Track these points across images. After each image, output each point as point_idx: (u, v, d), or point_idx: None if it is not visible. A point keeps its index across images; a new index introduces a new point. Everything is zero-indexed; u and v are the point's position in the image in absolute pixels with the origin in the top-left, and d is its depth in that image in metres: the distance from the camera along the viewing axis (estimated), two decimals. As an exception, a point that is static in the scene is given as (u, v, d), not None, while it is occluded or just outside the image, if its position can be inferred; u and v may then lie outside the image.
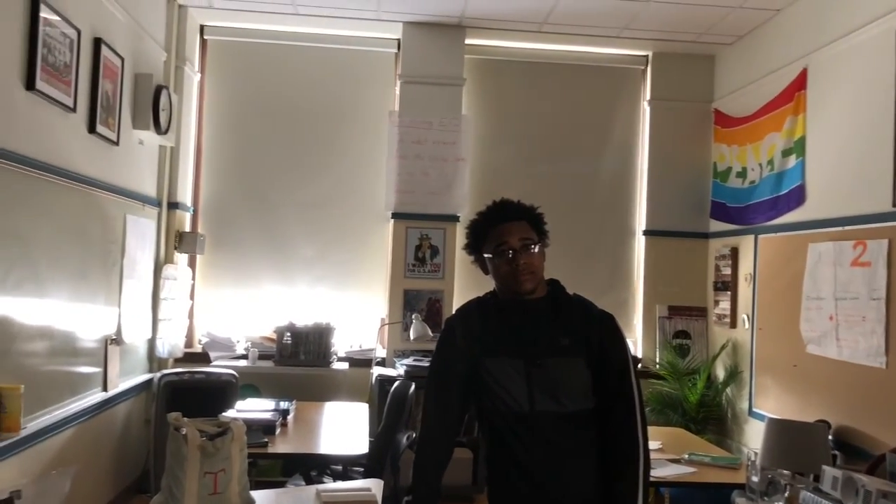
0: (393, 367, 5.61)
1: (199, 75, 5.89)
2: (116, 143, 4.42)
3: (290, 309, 5.79)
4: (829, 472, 2.48)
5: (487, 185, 5.80)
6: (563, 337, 2.08)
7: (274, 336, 5.57)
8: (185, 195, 5.67)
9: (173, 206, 5.48)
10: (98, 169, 4.20)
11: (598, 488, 2.03)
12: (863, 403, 4.04)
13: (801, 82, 4.80)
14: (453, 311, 2.31)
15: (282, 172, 5.97)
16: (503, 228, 2.09)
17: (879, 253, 3.95)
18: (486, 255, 2.12)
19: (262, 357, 5.56)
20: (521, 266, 2.06)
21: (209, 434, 2.59)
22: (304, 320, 5.59)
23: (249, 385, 5.35)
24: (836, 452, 4.00)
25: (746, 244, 5.48)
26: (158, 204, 5.31)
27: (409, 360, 5.41)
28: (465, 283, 5.60)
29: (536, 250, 2.10)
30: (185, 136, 5.60)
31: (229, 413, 3.96)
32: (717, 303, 5.89)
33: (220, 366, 5.32)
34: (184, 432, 2.54)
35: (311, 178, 5.99)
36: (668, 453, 3.80)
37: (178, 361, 5.49)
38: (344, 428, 4.11)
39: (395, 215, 5.87)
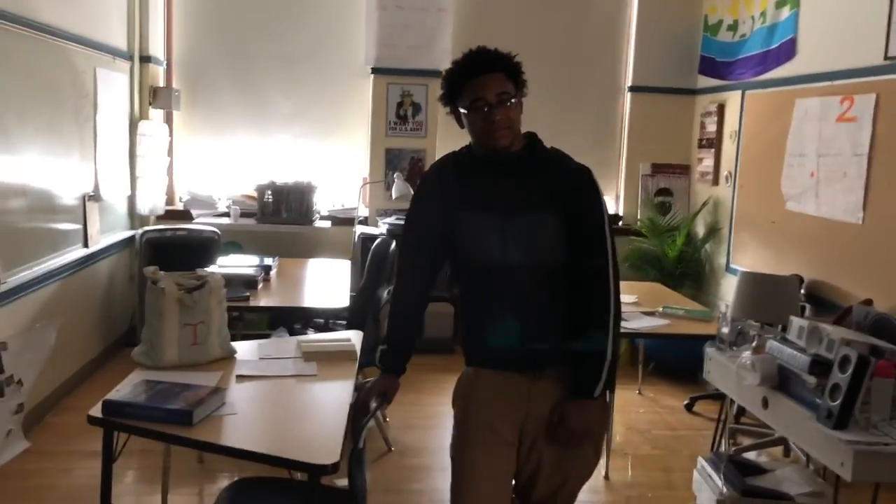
0: (375, 225, 5.63)
1: (166, -83, 5.53)
2: (80, -9, 4.21)
3: (270, 166, 5.72)
4: (795, 322, 2.54)
5: (471, 37, 5.44)
6: (538, 191, 2.05)
7: (255, 194, 5.54)
8: (157, 48, 5.47)
9: (145, 59, 5.29)
10: (62, 17, 4.01)
11: (569, 338, 2.06)
12: (837, 258, 4.11)
13: (800, -73, 4.57)
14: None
15: (259, 25, 5.73)
16: (479, 81, 1.99)
17: (866, 108, 3.89)
18: (461, 110, 2.04)
19: (244, 215, 5.56)
20: (497, 121, 1.99)
21: (187, 287, 2.61)
22: (285, 178, 5.54)
23: (232, 242, 5.37)
24: (806, 305, 4.10)
25: (733, 100, 5.40)
26: (130, 57, 5.13)
27: (391, 219, 5.43)
28: (448, 142, 5.50)
29: (513, 104, 2.02)
30: (154, -17, 5.33)
31: (211, 268, 4.00)
32: (700, 160, 5.87)
33: (202, 223, 5.31)
34: (161, 286, 2.57)
35: (290, 31, 5.76)
36: (643, 306, 3.88)
37: (160, 219, 5.48)
38: (326, 283, 4.17)
39: (376, 70, 5.70)
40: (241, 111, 5.79)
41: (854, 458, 2.09)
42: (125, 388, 2.22)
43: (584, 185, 2.09)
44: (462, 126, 2.10)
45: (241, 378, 2.47)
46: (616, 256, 2.09)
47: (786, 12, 4.71)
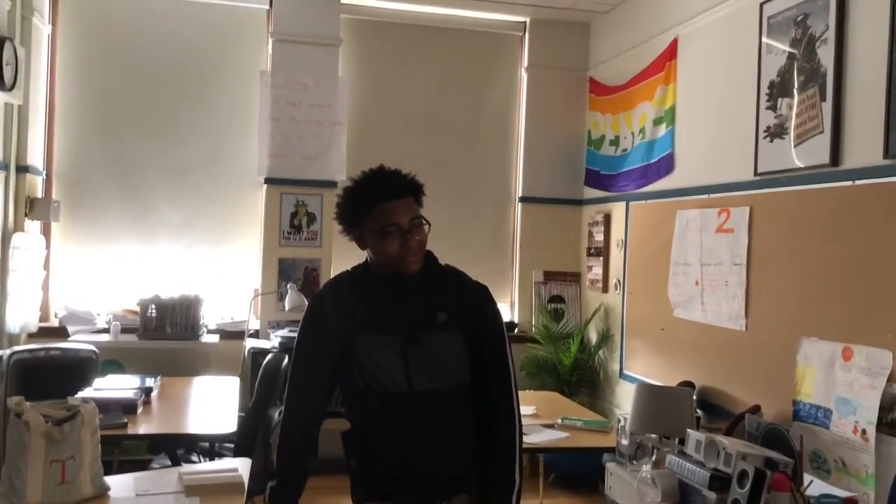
0: (267, 338, 5.44)
1: (49, 27, 5.41)
2: (-49, 100, 4.01)
3: (155, 280, 5.48)
4: (693, 435, 2.56)
5: (365, 149, 5.65)
6: (439, 311, 2.02)
7: (137, 309, 5.27)
8: (35, 158, 5.24)
9: (22, 169, 5.05)
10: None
11: (474, 461, 2.00)
12: (724, 365, 4.22)
13: (671, 52, 4.91)
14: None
15: (145, 135, 5.61)
16: (391, 206, 1.95)
17: (742, 220, 4.11)
18: (369, 232, 1.99)
19: (125, 331, 5.26)
20: (412, 247, 1.97)
21: (56, 419, 2.39)
22: (170, 292, 5.31)
23: (112, 361, 5.05)
24: (699, 413, 4.17)
25: (618, 211, 5.62)
26: (5, 167, 4.88)
27: (283, 332, 5.26)
28: (343, 252, 5.43)
29: (427, 229, 2.01)
30: (34, 93, 5.15)
31: (87, 392, 3.72)
32: (590, 268, 6.02)
33: (79, 340, 4.98)
34: (25, 418, 2.34)
35: (178, 141, 5.66)
36: (542, 418, 3.85)
37: (31, 337, 5.11)
38: (212, 404, 3.95)
39: (269, 181, 5.65)
40: (125, 222, 5.58)
41: (759, 577, 2.06)
42: (-23, 541, 1.97)
43: (482, 305, 2.08)
44: (363, 247, 2.05)
45: (114, 520, 2.25)
46: (517, 374, 2.07)
47: (662, 129, 4.99)
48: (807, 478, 2.96)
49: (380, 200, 1.96)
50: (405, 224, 1.95)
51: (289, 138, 5.63)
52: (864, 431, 3.13)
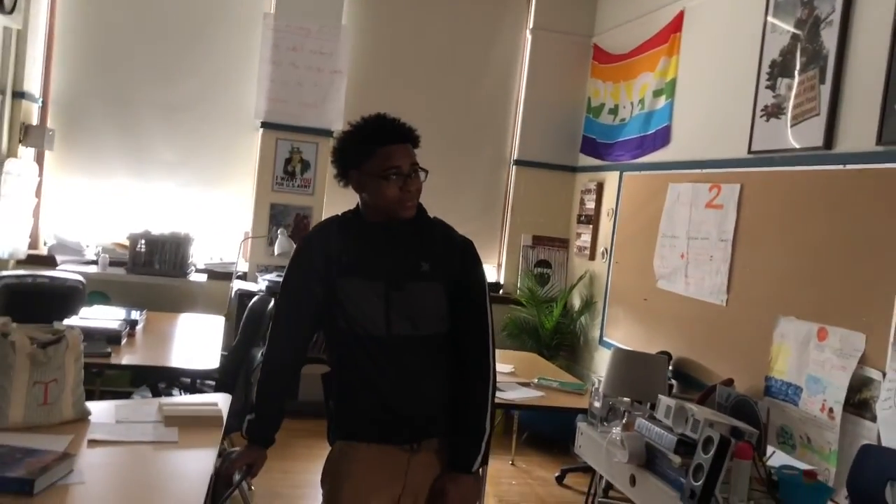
0: (255, 281, 5.47)
1: (52, -48, 5.34)
2: (-51, 18, 3.97)
3: (147, 216, 5.49)
4: (663, 401, 2.62)
5: (363, 100, 5.62)
6: (423, 261, 2.05)
7: (127, 243, 5.29)
8: (32, 85, 5.21)
9: (18, 95, 5.02)
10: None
11: (447, 406, 2.05)
12: (703, 338, 4.30)
13: (677, 24, 4.89)
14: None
15: (144, 68, 5.57)
16: (394, 150, 1.98)
17: (732, 197, 4.14)
18: (365, 174, 2.01)
19: (113, 264, 5.28)
20: (411, 192, 2.00)
21: (41, 342, 2.43)
22: (161, 228, 5.32)
23: (99, 292, 5.09)
24: (674, 382, 4.25)
25: (612, 180, 5.64)
26: (1, 92, 4.85)
27: (271, 276, 5.29)
28: (336, 200, 5.47)
29: (423, 177, 2.04)
30: (34, 18, 5.10)
31: (72, 320, 3.76)
32: (579, 235, 6.07)
33: (66, 270, 5.00)
34: (11, 339, 2.37)
35: (177, 78, 5.62)
36: (519, 377, 3.91)
37: (20, 263, 5.14)
38: (196, 341, 3.99)
39: (266, 125, 5.63)
40: (120, 156, 5.56)
41: (714, 538, 2.14)
42: (-42, 452, 2.01)
43: (467, 259, 2.11)
44: (360, 191, 2.06)
45: (93, 443, 2.29)
46: (494, 329, 2.11)
47: (662, 101, 5.00)
48: (770, 449, 3.04)
49: (383, 143, 1.99)
50: (405, 168, 1.98)
51: (288, 84, 5.60)
52: (831, 410, 3.21)
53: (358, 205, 2.12)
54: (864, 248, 3.21)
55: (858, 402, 3.12)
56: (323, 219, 5.77)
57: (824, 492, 2.43)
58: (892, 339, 2.99)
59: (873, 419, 3.03)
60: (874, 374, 3.06)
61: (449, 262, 2.07)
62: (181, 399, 3.03)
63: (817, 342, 3.37)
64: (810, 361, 3.38)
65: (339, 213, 2.17)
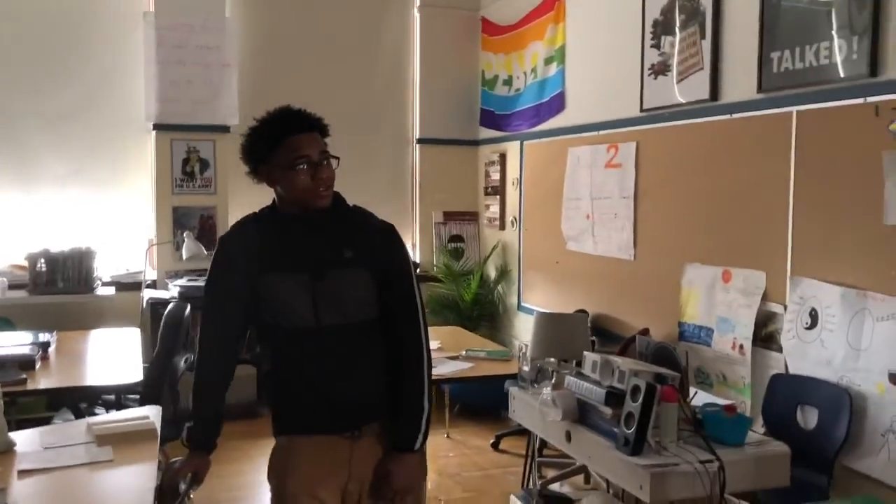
0: (165, 289, 5.33)
1: None
2: None
3: (43, 233, 5.25)
4: (588, 357, 2.73)
5: (258, 93, 5.50)
6: (346, 249, 2.06)
7: (26, 263, 5.05)
8: None
9: None
10: None
11: (385, 391, 2.08)
12: (616, 293, 4.46)
13: (560, -8, 5.01)
14: (229, 227, 2.19)
15: (20, 80, 5.29)
16: (301, 140, 1.98)
17: (629, 155, 4.30)
18: (277, 167, 2.00)
19: (13, 287, 5.03)
20: (324, 180, 2.00)
21: (-48, 377, 2.33)
22: (60, 244, 5.10)
23: (1, 318, 4.85)
24: (594, 338, 4.41)
25: (513, 150, 5.75)
26: None
27: (182, 281, 5.17)
28: (239, 199, 5.34)
29: (335, 165, 2.04)
30: None
31: (-23, 351, 3.59)
32: (487, 207, 6.17)
33: (-38, 299, 4.76)
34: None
35: (58, 86, 5.36)
36: (447, 351, 3.98)
37: None
38: (114, 356, 3.87)
39: (158, 126, 5.46)
40: (4, 172, 5.29)
41: (651, 480, 2.26)
42: None
43: (389, 243, 2.14)
44: (272, 184, 2.05)
45: (23, 473, 2.21)
46: (424, 308, 2.14)
47: (554, 68, 5.12)
48: (692, 390, 3.21)
49: (289, 134, 1.99)
50: (315, 156, 1.99)
51: (177, 82, 5.44)
52: (741, 346, 3.42)
53: (274, 200, 2.11)
54: (755, 191, 3.40)
55: (765, 336, 3.33)
56: (228, 218, 5.67)
57: (745, 422, 2.58)
58: (789, 273, 3.20)
59: (780, 350, 3.24)
60: (777, 308, 3.27)
61: (372, 248, 2.09)
62: (109, 416, 2.94)
63: (723, 284, 3.56)
64: (718, 303, 3.58)
65: (256, 211, 2.15)
